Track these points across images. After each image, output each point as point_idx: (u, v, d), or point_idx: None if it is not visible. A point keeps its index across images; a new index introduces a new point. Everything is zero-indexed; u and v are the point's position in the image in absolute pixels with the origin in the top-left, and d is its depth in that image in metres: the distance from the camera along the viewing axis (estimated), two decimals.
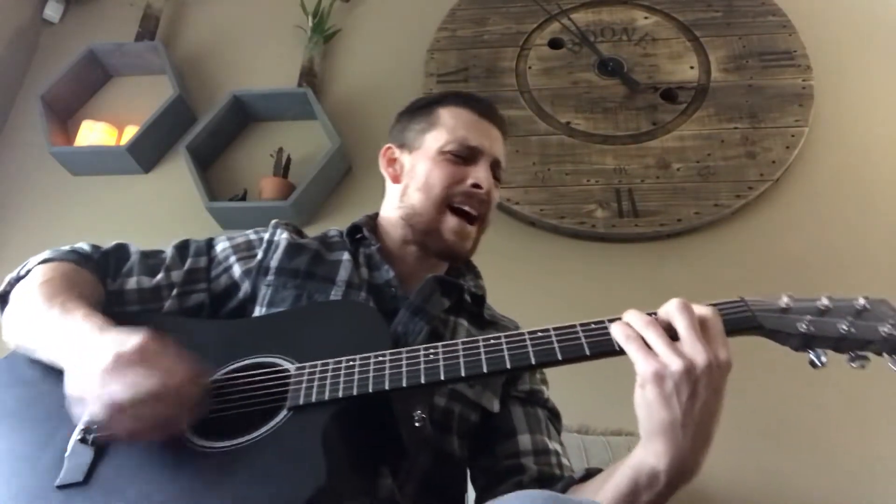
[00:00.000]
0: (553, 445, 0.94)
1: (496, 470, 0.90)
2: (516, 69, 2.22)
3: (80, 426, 0.72)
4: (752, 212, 1.96)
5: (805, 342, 0.67)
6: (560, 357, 0.69)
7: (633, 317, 0.67)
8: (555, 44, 2.26)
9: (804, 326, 0.66)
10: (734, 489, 1.65)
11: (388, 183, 1.07)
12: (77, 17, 2.61)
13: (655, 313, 0.67)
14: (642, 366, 0.63)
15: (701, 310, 0.66)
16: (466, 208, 0.97)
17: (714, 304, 0.69)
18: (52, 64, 2.45)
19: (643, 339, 0.64)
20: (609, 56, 2.19)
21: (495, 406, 0.94)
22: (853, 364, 0.66)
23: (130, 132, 2.22)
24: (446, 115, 1.03)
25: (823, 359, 0.67)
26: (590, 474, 0.81)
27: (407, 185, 1.02)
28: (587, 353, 0.69)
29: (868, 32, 2.22)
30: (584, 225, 1.93)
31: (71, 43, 2.48)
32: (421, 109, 1.07)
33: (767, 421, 1.70)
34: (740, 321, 0.69)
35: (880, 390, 1.70)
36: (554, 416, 1.01)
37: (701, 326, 0.65)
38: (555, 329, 0.71)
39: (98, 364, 0.68)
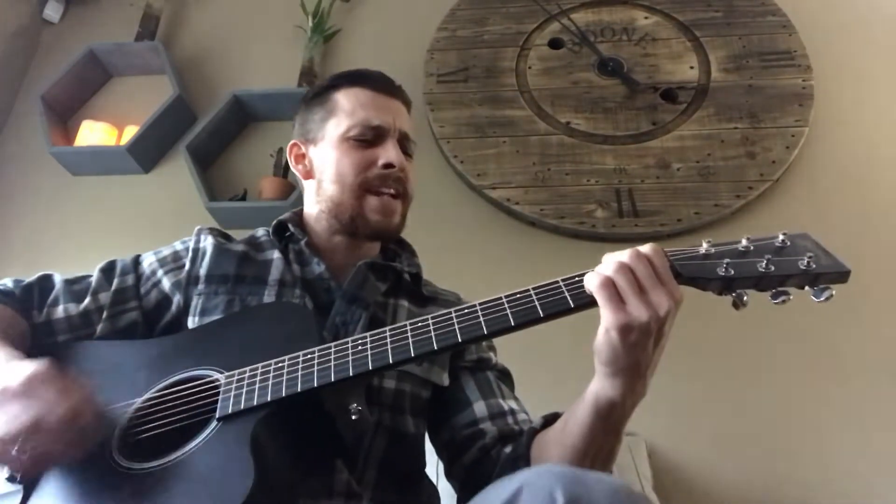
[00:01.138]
0: (508, 404, 0.94)
1: (457, 441, 0.91)
2: (516, 69, 2.22)
3: None
4: (752, 212, 1.96)
5: (725, 285, 0.67)
6: (485, 331, 0.69)
7: (604, 265, 0.68)
8: (555, 44, 2.26)
9: (723, 270, 0.66)
10: (735, 489, 1.65)
11: (302, 180, 1.05)
12: (77, 17, 2.61)
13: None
14: (611, 315, 0.64)
15: (652, 256, 0.67)
16: (384, 190, 0.96)
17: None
18: (52, 64, 2.45)
19: (613, 284, 0.65)
20: (609, 56, 2.19)
21: (445, 380, 0.95)
22: (776, 300, 0.67)
23: (130, 132, 2.22)
24: (342, 98, 1.01)
25: (746, 298, 0.67)
26: (548, 422, 0.82)
27: (319, 179, 1.00)
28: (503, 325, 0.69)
29: (868, 33, 2.22)
30: (584, 225, 1.93)
31: (71, 43, 2.48)
32: (316, 98, 1.05)
33: (768, 421, 1.70)
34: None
35: (881, 390, 1.70)
36: (504, 374, 1.01)
37: (656, 271, 0.66)
38: (481, 304, 0.71)
39: None
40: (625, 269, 0.66)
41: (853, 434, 1.66)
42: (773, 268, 0.66)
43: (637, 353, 0.65)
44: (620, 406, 0.69)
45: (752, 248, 0.68)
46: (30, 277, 0.95)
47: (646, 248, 0.68)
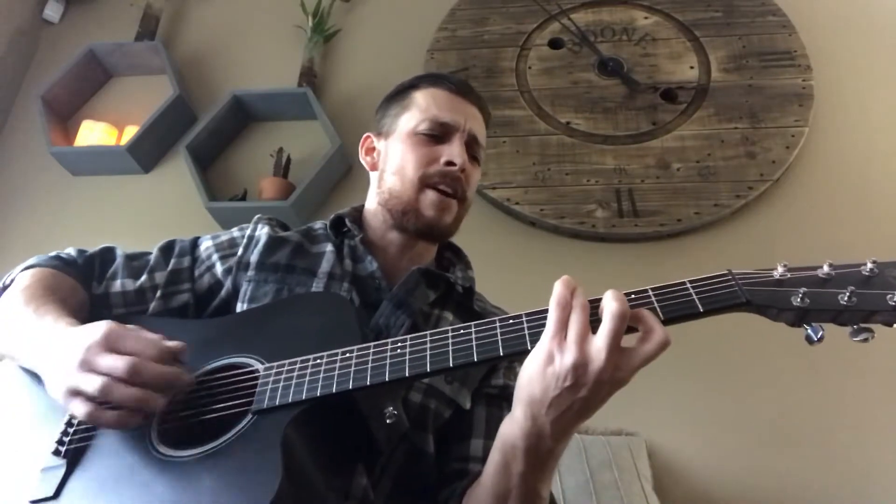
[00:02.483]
0: None
1: (445, 471, 0.89)
2: (516, 69, 2.22)
3: (61, 427, 0.73)
4: (752, 212, 1.96)
5: (800, 317, 0.60)
6: (529, 346, 0.65)
7: (577, 294, 0.64)
8: (555, 44, 2.26)
9: (798, 300, 0.59)
10: (735, 489, 1.65)
11: (370, 173, 1.06)
12: (77, 17, 2.61)
13: (600, 300, 0.64)
14: (546, 338, 0.62)
15: (622, 315, 0.61)
16: (442, 188, 0.95)
17: (699, 279, 0.65)
18: (52, 64, 2.46)
19: (567, 313, 0.62)
20: (609, 56, 2.19)
21: (468, 403, 0.92)
22: (856, 338, 0.59)
23: (130, 132, 2.22)
24: (419, 96, 1.01)
25: (822, 334, 0.59)
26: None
27: (383, 170, 1.00)
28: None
29: (868, 33, 2.22)
30: (584, 225, 1.93)
31: (71, 43, 2.48)
32: (396, 95, 1.05)
33: (767, 421, 1.70)
34: (722, 297, 0.62)
35: (881, 389, 1.70)
36: None
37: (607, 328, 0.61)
38: (527, 315, 0.68)
39: (71, 360, 0.69)
40: (585, 312, 0.62)
41: (854, 433, 1.66)
42: (856, 300, 0.58)
43: (548, 386, 0.61)
44: (516, 447, 0.66)
45: (833, 275, 0.61)
46: (93, 248, 0.96)
47: (613, 304, 0.61)
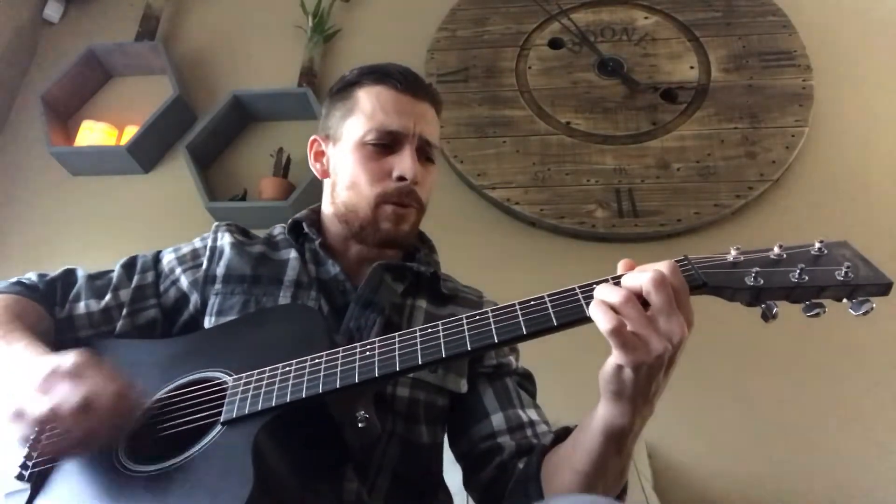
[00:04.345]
0: (527, 415, 0.91)
1: (475, 454, 0.89)
2: (516, 69, 2.22)
3: (24, 451, 0.73)
4: (752, 212, 1.96)
5: (755, 295, 0.63)
6: (496, 339, 0.66)
7: (609, 293, 0.62)
8: (555, 44, 2.26)
9: (752, 279, 0.62)
10: (734, 489, 1.65)
11: (322, 179, 1.03)
12: (77, 17, 2.61)
13: (620, 278, 0.65)
14: (623, 353, 0.60)
15: (667, 276, 0.61)
16: (396, 202, 0.92)
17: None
18: (52, 64, 2.46)
19: (624, 322, 0.60)
20: (609, 56, 2.19)
21: (463, 387, 0.92)
22: (809, 313, 0.62)
23: (130, 132, 2.22)
24: (363, 97, 0.95)
25: (776, 310, 0.62)
26: (559, 437, 0.79)
27: (334, 181, 0.97)
28: (523, 332, 0.65)
29: (868, 32, 2.22)
30: (584, 225, 1.93)
31: (71, 43, 2.48)
32: (340, 93, 0.99)
33: (768, 421, 1.70)
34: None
35: (882, 389, 1.70)
36: (525, 378, 0.98)
37: (674, 298, 0.61)
38: (493, 310, 0.68)
39: (31, 384, 0.69)
40: (633, 301, 0.61)
41: (854, 433, 1.66)
42: (807, 278, 0.61)
43: (647, 383, 0.62)
44: (629, 430, 0.66)
45: (784, 256, 0.63)
46: (53, 272, 0.96)
47: (664, 270, 0.62)
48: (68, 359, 0.70)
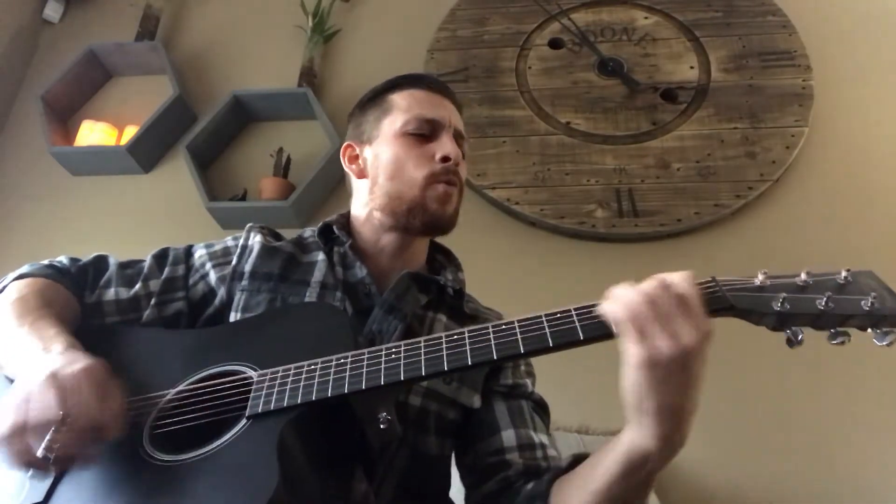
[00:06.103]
0: (539, 438, 0.91)
1: (480, 467, 0.89)
2: (516, 69, 2.22)
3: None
4: (752, 212, 1.96)
5: (780, 321, 0.64)
6: (522, 349, 0.67)
7: (621, 291, 0.65)
8: (555, 44, 2.26)
9: (778, 305, 0.63)
10: (735, 489, 1.65)
11: (354, 180, 1.05)
12: (77, 17, 2.61)
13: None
14: (635, 350, 0.61)
15: (679, 285, 0.64)
16: (446, 182, 0.96)
17: None
18: (52, 64, 2.46)
19: (636, 318, 0.62)
20: (609, 56, 2.19)
21: (475, 402, 0.92)
22: (834, 341, 0.63)
23: (130, 132, 2.22)
24: (397, 98, 1.01)
25: (801, 336, 0.63)
26: (577, 460, 0.79)
27: (375, 176, 0.99)
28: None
29: (868, 33, 2.22)
30: (584, 225, 1.93)
31: (71, 43, 2.48)
32: (371, 101, 1.05)
33: (767, 421, 1.70)
34: (710, 302, 0.65)
35: (882, 390, 1.70)
36: (540, 407, 0.99)
37: (681, 301, 0.63)
38: (519, 321, 0.69)
39: (31, 383, 0.67)
40: (643, 299, 0.62)
41: (854, 433, 1.66)
42: (833, 305, 0.62)
43: (665, 392, 0.61)
44: (652, 457, 0.65)
45: (811, 282, 0.64)
46: (85, 257, 0.96)
47: (673, 276, 0.64)
48: (76, 364, 0.68)
